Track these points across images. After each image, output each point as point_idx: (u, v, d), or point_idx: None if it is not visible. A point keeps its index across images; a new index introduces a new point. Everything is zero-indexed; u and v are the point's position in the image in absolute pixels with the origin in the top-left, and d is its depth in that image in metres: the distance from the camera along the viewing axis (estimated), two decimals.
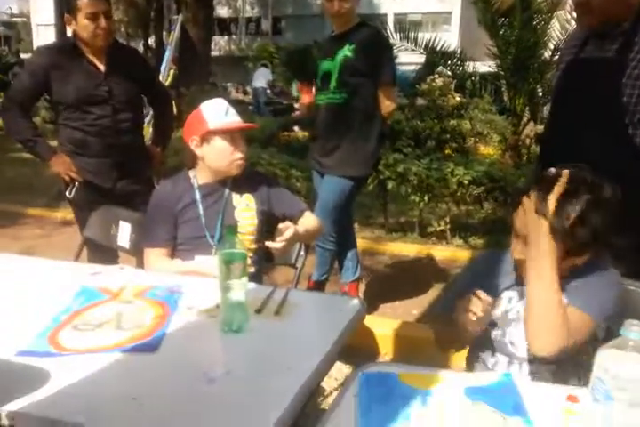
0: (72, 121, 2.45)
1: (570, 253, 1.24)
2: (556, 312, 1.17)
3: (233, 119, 1.91)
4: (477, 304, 1.24)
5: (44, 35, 27.92)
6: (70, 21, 2.39)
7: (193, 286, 1.59)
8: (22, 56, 19.41)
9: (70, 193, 2.50)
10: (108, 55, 2.46)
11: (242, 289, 1.32)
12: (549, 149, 1.88)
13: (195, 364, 1.21)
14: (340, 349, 1.31)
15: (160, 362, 1.21)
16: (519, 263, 1.33)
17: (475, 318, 1.24)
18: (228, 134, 1.89)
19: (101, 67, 2.45)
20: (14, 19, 40.29)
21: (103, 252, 2.37)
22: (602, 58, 1.62)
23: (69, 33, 2.56)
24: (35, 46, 29.52)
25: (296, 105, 12.22)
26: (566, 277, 1.27)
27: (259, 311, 1.43)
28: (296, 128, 9.45)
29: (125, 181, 2.55)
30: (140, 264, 2.14)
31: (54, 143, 2.60)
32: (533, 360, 1.28)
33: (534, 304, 1.21)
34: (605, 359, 0.88)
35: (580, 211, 1.20)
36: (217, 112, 1.89)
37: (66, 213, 4.59)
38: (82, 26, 2.35)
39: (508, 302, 1.38)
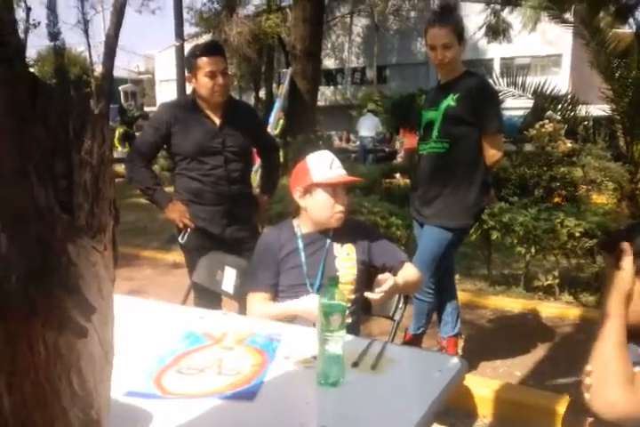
0: (188, 171, 2.61)
1: None
2: (619, 374, 1.09)
3: (337, 173, 1.94)
4: None
5: (166, 89, 30.38)
6: (191, 79, 2.59)
7: (291, 334, 1.61)
8: (146, 109, 21.17)
9: (183, 239, 2.64)
10: (223, 110, 2.63)
11: (340, 342, 1.32)
12: None
13: (291, 415, 1.21)
14: (438, 410, 1.26)
15: (257, 411, 1.22)
16: None
17: None
18: (331, 187, 1.93)
19: (217, 120, 2.61)
20: (140, 76, 44.26)
21: (208, 295, 2.47)
22: None
23: (189, 88, 2.76)
24: (157, 100, 32.16)
25: (398, 152, 12.28)
26: None
27: (355, 365, 1.42)
28: (397, 175, 9.50)
29: (234, 227, 2.66)
30: (243, 309, 2.21)
31: (171, 190, 2.78)
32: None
33: (597, 365, 1.13)
34: None
35: None
36: (322, 165, 1.94)
37: (177, 255, 4.85)
38: (201, 84, 2.54)
39: None
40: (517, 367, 2.92)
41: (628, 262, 1.17)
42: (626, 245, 1.17)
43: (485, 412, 2.47)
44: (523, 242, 3.94)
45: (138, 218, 6.73)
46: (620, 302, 1.16)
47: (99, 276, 0.65)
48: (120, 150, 13.36)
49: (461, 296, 3.32)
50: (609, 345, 1.14)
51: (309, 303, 1.80)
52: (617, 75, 5.92)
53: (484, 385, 2.55)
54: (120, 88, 26.68)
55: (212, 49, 2.59)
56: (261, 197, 2.89)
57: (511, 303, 3.86)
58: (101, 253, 0.66)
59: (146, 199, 2.71)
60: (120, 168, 7.99)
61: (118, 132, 14.12)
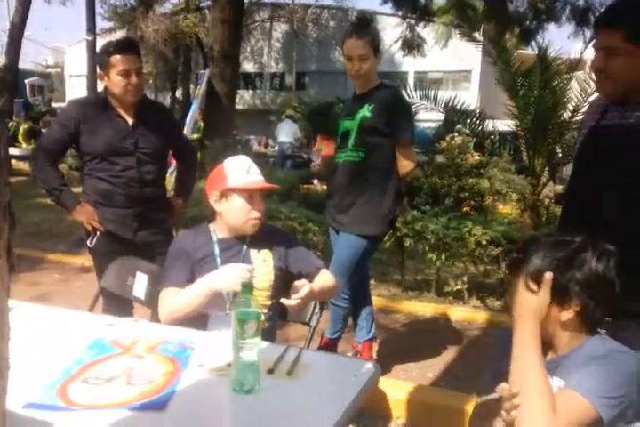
0: (98, 171, 2.51)
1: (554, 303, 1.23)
2: (545, 403, 1.14)
3: (254, 178, 1.92)
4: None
5: (76, 85, 29.01)
6: (103, 77, 2.49)
7: (205, 342, 1.58)
8: (54, 105, 20.14)
9: (91, 242, 2.53)
10: (136, 109, 2.54)
11: (255, 349, 1.30)
12: (569, 213, 1.87)
13: (204, 425, 1.18)
14: (353, 413, 1.28)
15: (168, 421, 1.19)
16: None
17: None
18: (247, 193, 1.90)
19: (129, 120, 2.53)
20: (49, 70, 42.10)
21: (119, 302, 2.38)
22: (624, 125, 1.63)
23: (100, 85, 2.65)
24: (67, 96, 30.69)
25: (314, 159, 12.38)
26: (567, 353, 1.25)
27: (271, 372, 1.41)
28: (315, 181, 9.58)
29: (146, 231, 2.57)
30: (155, 316, 2.13)
31: (79, 190, 2.65)
32: None
33: (522, 392, 1.16)
34: None
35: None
36: (238, 170, 1.91)
37: (85, 259, 4.63)
38: (114, 82, 2.45)
39: None
40: (429, 369, 3.02)
41: (545, 293, 1.21)
42: (547, 276, 1.21)
43: (399, 413, 2.53)
44: (434, 249, 4.09)
45: (43, 219, 6.38)
46: (535, 326, 1.21)
47: None
48: (25, 147, 12.62)
49: (376, 301, 3.39)
50: (532, 374, 1.17)
51: (223, 272, 1.76)
52: (521, 93, 6.28)
53: (398, 387, 2.61)
54: (26, 81, 25.18)
55: (127, 47, 2.50)
56: (176, 200, 2.82)
57: (423, 308, 3.99)
58: None
59: (52, 200, 2.57)
60: (24, 166, 7.55)
61: (23, 128, 13.34)
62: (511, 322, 1.26)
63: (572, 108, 6.21)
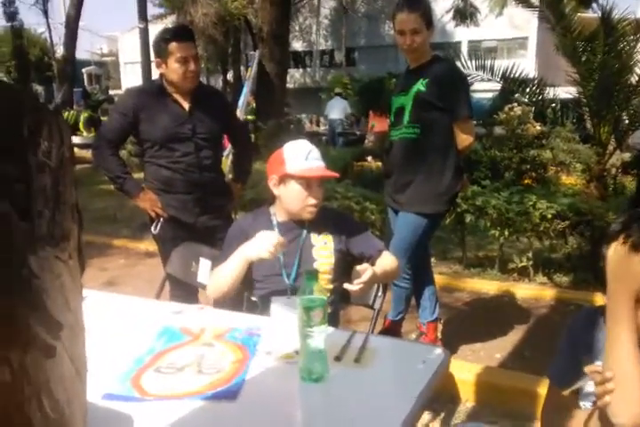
0: (158, 159, 2.54)
1: None
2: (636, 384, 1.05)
3: (313, 164, 1.87)
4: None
5: (130, 72, 29.69)
6: (160, 64, 2.50)
7: (271, 328, 1.58)
8: (111, 92, 20.66)
9: (155, 229, 2.58)
10: (192, 95, 2.55)
11: (322, 336, 1.29)
12: None
13: (275, 414, 1.18)
14: (425, 402, 1.25)
15: (240, 410, 1.19)
16: None
17: None
18: (305, 180, 1.87)
19: (186, 106, 2.54)
20: (104, 58, 43.17)
21: (184, 287, 2.42)
22: None
23: (156, 71, 2.67)
24: (122, 83, 31.43)
25: (368, 136, 12.24)
26: None
27: (338, 359, 1.39)
28: (369, 158, 9.48)
29: (207, 216, 2.60)
30: (219, 302, 2.17)
31: (139, 176, 2.70)
32: None
33: (616, 375, 1.07)
34: None
35: None
36: (297, 156, 1.88)
37: (149, 244, 4.76)
38: (172, 69, 2.45)
39: None
40: (497, 350, 2.95)
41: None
42: None
43: (468, 396, 2.49)
44: (496, 225, 3.97)
45: (107, 205, 6.58)
46: (632, 305, 1.09)
47: (64, 287, 0.60)
48: (85, 135, 13.03)
49: (438, 279, 3.33)
50: (629, 357, 1.08)
51: (255, 240, 1.74)
52: (583, 58, 5.97)
53: (466, 369, 2.56)
54: (83, 71, 25.92)
55: (184, 34, 2.50)
56: (234, 184, 2.83)
57: (487, 285, 3.90)
58: (66, 263, 0.61)
59: (115, 188, 2.62)
60: (87, 154, 7.79)
61: (83, 116, 13.75)
62: (603, 300, 1.18)
63: (639, 72, 5.87)
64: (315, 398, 1.26)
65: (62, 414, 0.59)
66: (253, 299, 1.94)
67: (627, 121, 6.23)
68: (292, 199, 1.90)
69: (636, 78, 5.89)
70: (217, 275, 1.84)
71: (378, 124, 12.05)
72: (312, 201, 1.87)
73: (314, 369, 1.29)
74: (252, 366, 1.36)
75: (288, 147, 1.91)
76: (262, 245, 1.71)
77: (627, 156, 6.79)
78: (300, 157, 1.87)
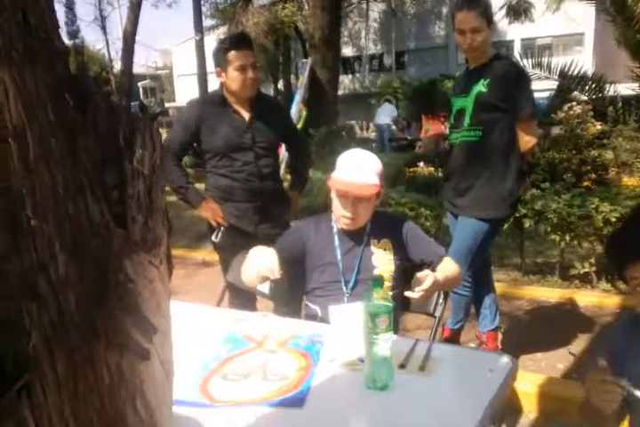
0: (219, 168, 2.59)
1: None
2: None
3: (356, 179, 1.85)
4: (611, 392, 1.12)
5: (184, 84, 30.41)
6: (220, 73, 2.55)
7: (333, 335, 1.58)
8: (166, 105, 21.25)
9: (217, 237, 2.62)
10: (251, 104, 2.59)
11: (388, 344, 1.28)
12: None
13: (341, 421, 1.18)
14: (493, 413, 1.22)
15: (307, 418, 1.20)
16: None
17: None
18: (342, 191, 1.87)
19: (246, 115, 2.58)
20: (158, 71, 44.44)
21: (244, 296, 2.45)
22: None
23: (211, 83, 2.72)
24: (176, 95, 32.24)
25: (417, 144, 12.13)
26: None
27: (402, 367, 1.38)
28: (421, 164, 9.38)
29: (266, 224, 2.63)
30: (278, 310, 2.19)
31: (197, 185, 2.75)
32: None
33: None
34: None
35: None
36: (344, 167, 1.89)
37: (205, 253, 4.85)
38: (232, 78, 2.51)
39: None
40: (559, 360, 2.85)
41: None
42: None
43: (530, 407, 2.42)
44: (557, 229, 3.84)
45: None
46: None
47: (156, 292, 0.62)
48: None
49: (496, 287, 3.25)
50: None
51: (250, 262, 1.84)
52: None
53: (528, 380, 2.49)
54: (139, 84, 26.82)
55: (242, 42, 2.55)
56: (292, 192, 2.85)
57: (547, 293, 3.77)
58: (158, 268, 0.63)
59: (178, 198, 2.68)
60: None
61: None
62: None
63: None
64: (380, 406, 1.25)
65: (152, 414, 0.62)
66: (312, 306, 1.95)
67: None
68: (333, 207, 1.93)
69: None
70: (242, 273, 1.91)
71: (433, 126, 11.94)
72: (345, 213, 1.88)
73: (379, 377, 1.28)
74: (317, 374, 1.36)
75: (342, 156, 1.93)
76: (253, 272, 1.79)
77: None
78: (345, 168, 1.89)
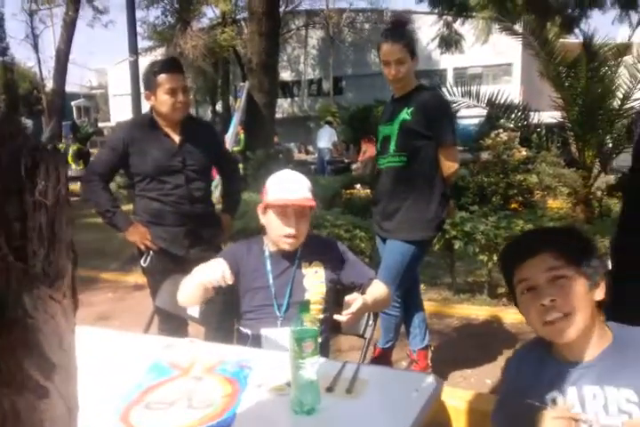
0: (149, 191, 2.55)
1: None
2: None
3: (291, 195, 1.87)
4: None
5: (120, 104, 29.88)
6: (149, 97, 2.53)
7: (262, 360, 1.57)
8: (100, 125, 20.78)
9: (145, 262, 2.57)
10: (182, 127, 2.58)
11: (314, 368, 1.29)
12: (631, 205, 1.78)
13: None
14: None
15: None
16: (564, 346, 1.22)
17: None
18: (282, 209, 1.87)
19: (176, 138, 2.56)
20: (93, 91, 43.49)
21: (174, 321, 2.40)
22: None
23: (146, 104, 2.70)
24: (112, 115, 31.63)
25: (354, 165, 12.35)
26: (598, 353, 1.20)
27: (330, 390, 1.39)
28: (358, 186, 9.54)
29: (198, 248, 2.60)
30: (209, 335, 2.16)
31: (128, 208, 2.70)
32: None
33: None
34: None
35: None
36: (277, 185, 1.91)
37: (137, 277, 4.71)
38: (161, 101, 2.49)
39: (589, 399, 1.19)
40: (488, 375, 2.93)
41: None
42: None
43: (460, 423, 2.46)
44: (485, 250, 3.98)
45: (94, 238, 6.54)
46: None
47: (59, 328, 0.60)
48: (74, 168, 13.05)
49: (427, 306, 3.32)
50: None
51: (203, 268, 1.81)
52: (566, 84, 6.09)
53: (457, 396, 2.53)
54: (72, 104, 26.13)
55: (172, 66, 2.54)
56: (224, 215, 2.84)
57: (476, 311, 3.90)
58: (60, 303, 0.61)
59: (104, 222, 2.62)
60: (75, 186, 7.79)
61: (72, 149, 13.78)
62: None
63: (621, 96, 5.99)
64: None
65: None
66: (244, 330, 1.93)
67: (610, 144, 6.33)
68: (271, 229, 1.92)
69: (619, 102, 6.02)
70: (181, 292, 1.88)
71: (369, 149, 12.19)
72: (287, 230, 1.87)
73: (305, 401, 1.28)
74: (244, 400, 1.35)
75: (272, 177, 1.95)
76: (206, 276, 1.76)
77: (611, 178, 6.87)
78: (278, 186, 1.90)
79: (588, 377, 1.19)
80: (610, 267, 1.77)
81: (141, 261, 2.59)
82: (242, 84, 10.71)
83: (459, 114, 8.27)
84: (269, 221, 1.91)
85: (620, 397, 1.14)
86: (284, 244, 1.90)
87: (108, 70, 36.57)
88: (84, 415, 1.26)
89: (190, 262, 2.53)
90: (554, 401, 1.19)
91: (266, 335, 1.86)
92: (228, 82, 23.25)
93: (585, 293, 1.19)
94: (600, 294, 1.22)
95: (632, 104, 5.92)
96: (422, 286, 3.65)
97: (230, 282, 1.75)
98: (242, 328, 1.94)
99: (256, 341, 1.87)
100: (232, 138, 8.73)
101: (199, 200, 2.61)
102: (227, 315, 2.03)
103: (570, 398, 1.19)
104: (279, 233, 1.89)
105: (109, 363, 1.59)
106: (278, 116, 14.74)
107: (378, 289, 1.94)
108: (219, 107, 24.13)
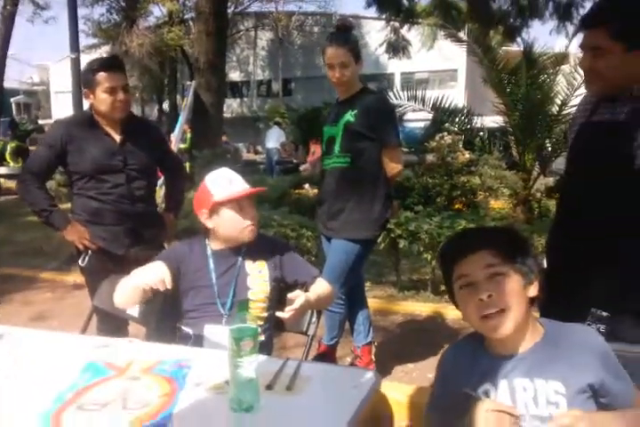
0: (87, 190, 2.48)
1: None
2: None
3: (238, 187, 1.91)
4: (504, 421, 1.13)
5: (62, 101, 28.95)
6: (88, 95, 2.46)
7: (201, 359, 1.55)
8: (40, 122, 20.07)
9: (83, 261, 2.50)
10: (123, 126, 2.51)
11: (253, 366, 1.27)
12: (564, 207, 1.86)
13: None
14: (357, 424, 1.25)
15: None
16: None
17: None
18: (235, 203, 1.89)
19: (116, 137, 2.50)
20: (35, 87, 41.98)
21: (113, 320, 2.34)
22: (613, 121, 1.62)
23: (85, 101, 2.63)
24: (53, 112, 30.62)
25: (302, 166, 12.38)
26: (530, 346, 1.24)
27: (270, 387, 1.38)
28: (306, 186, 9.56)
29: (138, 247, 2.54)
30: (149, 334, 2.11)
31: (68, 206, 2.62)
32: None
33: None
34: None
35: None
36: (221, 183, 1.91)
37: (77, 276, 4.57)
38: (100, 99, 2.42)
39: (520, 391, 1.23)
40: (429, 370, 2.98)
41: None
42: None
43: (402, 416, 2.49)
44: (429, 249, 4.07)
45: (33, 237, 6.32)
46: None
47: None
48: (12, 166, 12.57)
49: (372, 303, 3.36)
50: None
51: (142, 270, 1.83)
52: (508, 90, 6.29)
53: (399, 390, 2.57)
54: (12, 100, 25.12)
55: (112, 64, 2.48)
56: (167, 215, 2.79)
57: (420, 307, 3.98)
58: None
59: (41, 221, 2.53)
60: (12, 184, 7.50)
61: (10, 146, 13.27)
62: None
63: (559, 103, 6.23)
64: None
65: None
66: (185, 329, 1.90)
67: (549, 148, 6.57)
68: (229, 226, 1.91)
69: (557, 108, 6.26)
70: (118, 292, 1.87)
71: (317, 150, 12.24)
72: (248, 222, 1.90)
73: (244, 399, 1.27)
74: (181, 399, 1.32)
75: (209, 178, 1.95)
76: (144, 278, 1.76)
77: (550, 181, 7.14)
78: (223, 183, 1.91)
79: (519, 370, 1.22)
80: (545, 265, 1.84)
81: (79, 261, 2.51)
82: (189, 82, 10.56)
83: (405, 117, 8.42)
84: (224, 219, 1.90)
85: (549, 389, 1.19)
86: (249, 234, 1.92)
87: (50, 67, 35.41)
88: (17, 418, 1.22)
89: (130, 262, 2.49)
90: (486, 393, 1.22)
91: (209, 333, 1.84)
92: (175, 81, 22.92)
93: (520, 289, 1.23)
94: (534, 290, 1.25)
95: (569, 110, 6.16)
96: (367, 284, 3.69)
97: (169, 286, 1.74)
98: (184, 327, 1.91)
99: (198, 340, 1.84)
100: (178, 136, 8.59)
101: (141, 199, 2.55)
102: (167, 314, 1.99)
103: (501, 391, 1.22)
104: (241, 227, 1.90)
105: (42, 364, 1.53)
106: (227, 115, 14.64)
107: (321, 287, 1.95)
108: (166, 106, 23.73)
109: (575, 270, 1.63)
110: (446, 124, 7.45)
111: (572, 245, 1.67)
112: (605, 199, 1.60)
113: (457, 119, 7.03)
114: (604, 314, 1.58)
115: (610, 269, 1.56)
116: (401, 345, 3.38)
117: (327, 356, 2.87)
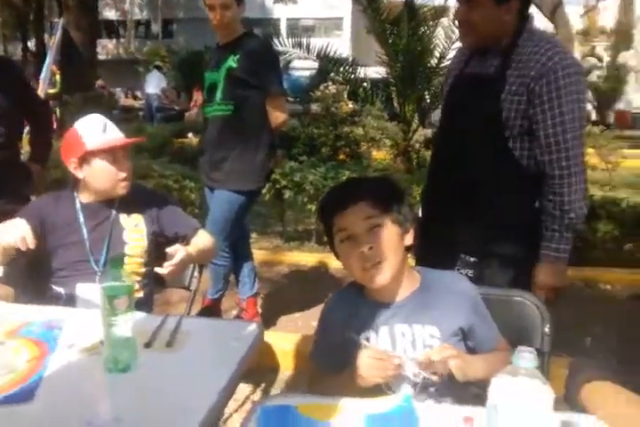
0: None
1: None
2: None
3: (113, 136, 1.78)
4: (385, 366, 1.16)
5: None
6: None
7: (74, 320, 1.47)
8: None
9: None
10: None
11: (129, 324, 1.22)
12: (437, 159, 1.94)
13: (76, 412, 1.10)
14: (239, 378, 1.26)
15: (36, 413, 1.09)
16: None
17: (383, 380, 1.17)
18: (109, 153, 1.76)
19: None
20: None
21: None
22: (483, 73, 1.68)
23: None
24: None
25: (187, 113, 11.92)
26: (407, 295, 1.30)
27: (148, 345, 1.34)
28: (190, 134, 9.23)
29: (1, 200, 2.33)
30: (19, 295, 1.97)
31: None
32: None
33: None
34: (498, 386, 0.89)
35: None
36: (94, 130, 1.76)
37: None
38: None
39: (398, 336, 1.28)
40: (314, 318, 3.06)
41: None
42: None
43: (287, 365, 2.58)
44: (313, 200, 4.13)
45: None
46: None
47: None
48: None
49: (258, 254, 3.37)
50: None
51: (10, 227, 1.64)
52: (390, 41, 6.36)
53: (284, 339, 2.65)
54: None
55: None
56: (33, 165, 2.57)
57: (305, 258, 4.07)
58: None
59: None
60: None
61: None
62: None
63: (438, 55, 6.41)
64: (123, 388, 1.20)
65: None
66: (57, 289, 1.79)
67: (428, 100, 6.79)
68: (101, 177, 1.78)
69: (436, 61, 6.44)
70: None
71: (199, 98, 11.79)
72: (122, 175, 1.78)
73: (120, 358, 1.22)
74: (52, 363, 1.25)
75: (80, 124, 1.79)
76: (13, 231, 1.60)
77: (428, 132, 7.42)
78: (96, 131, 1.76)
79: (399, 317, 1.28)
80: (420, 214, 1.92)
81: None
82: (57, 20, 9.64)
83: (291, 65, 8.30)
84: (96, 170, 1.76)
85: (425, 333, 1.26)
86: (122, 188, 1.80)
87: None
88: None
89: None
90: (368, 340, 1.27)
91: (82, 292, 1.74)
92: (42, 17, 20.80)
93: (398, 240, 1.26)
94: (409, 239, 1.29)
95: (447, 63, 6.37)
96: (253, 236, 3.69)
97: (31, 246, 1.60)
98: (54, 286, 1.80)
99: (70, 299, 1.75)
100: (46, 79, 7.88)
101: (1, 147, 2.32)
102: (35, 274, 1.86)
103: (382, 337, 1.27)
104: (114, 179, 1.77)
105: None
106: (102, 57, 13.62)
107: (202, 239, 1.90)
108: (31, 44, 21.61)
109: (446, 221, 1.72)
110: (331, 74, 7.43)
111: (444, 197, 1.75)
112: (475, 153, 1.68)
113: (342, 69, 7.03)
114: (472, 259, 1.69)
115: (477, 219, 1.66)
116: (287, 295, 3.46)
117: (212, 310, 2.85)
